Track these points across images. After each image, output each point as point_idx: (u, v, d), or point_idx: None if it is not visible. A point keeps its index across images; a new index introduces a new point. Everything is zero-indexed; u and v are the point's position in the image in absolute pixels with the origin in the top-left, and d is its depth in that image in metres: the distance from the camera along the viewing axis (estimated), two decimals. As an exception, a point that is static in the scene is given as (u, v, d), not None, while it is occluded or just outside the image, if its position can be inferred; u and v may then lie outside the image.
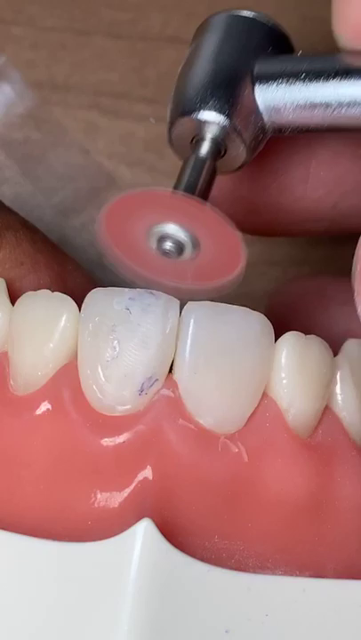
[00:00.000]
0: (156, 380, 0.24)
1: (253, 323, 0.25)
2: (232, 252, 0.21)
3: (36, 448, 0.24)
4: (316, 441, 0.25)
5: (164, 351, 0.24)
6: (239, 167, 0.24)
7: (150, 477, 0.24)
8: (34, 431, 0.24)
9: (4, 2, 0.43)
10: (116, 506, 0.24)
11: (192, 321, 0.24)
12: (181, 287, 0.23)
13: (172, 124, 0.24)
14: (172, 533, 0.23)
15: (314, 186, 0.28)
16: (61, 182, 0.41)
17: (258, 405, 0.25)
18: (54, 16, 0.43)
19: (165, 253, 0.21)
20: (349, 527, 0.25)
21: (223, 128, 0.23)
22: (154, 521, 0.23)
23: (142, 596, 0.22)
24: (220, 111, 0.23)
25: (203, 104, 0.23)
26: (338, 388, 0.25)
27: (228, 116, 0.23)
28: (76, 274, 0.28)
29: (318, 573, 0.24)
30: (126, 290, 0.24)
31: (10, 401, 0.25)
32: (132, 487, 0.24)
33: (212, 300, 0.25)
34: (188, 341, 0.24)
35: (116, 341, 0.24)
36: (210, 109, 0.23)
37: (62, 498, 0.24)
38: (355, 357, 0.26)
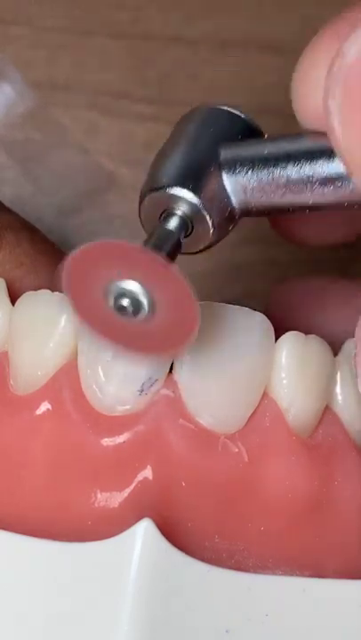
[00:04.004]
0: (157, 379, 0.24)
1: (254, 323, 0.25)
2: (186, 320, 0.22)
3: (36, 448, 0.24)
4: (316, 441, 0.25)
5: (165, 351, 0.24)
6: (203, 248, 0.25)
7: (150, 477, 0.24)
8: (34, 431, 0.24)
9: (4, 2, 0.43)
10: (116, 506, 0.24)
11: (192, 321, 0.24)
12: (127, 351, 0.23)
13: (143, 197, 0.25)
14: (172, 533, 0.23)
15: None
16: (61, 182, 0.41)
17: (258, 405, 0.25)
18: (54, 16, 0.43)
19: (120, 310, 0.22)
20: (349, 527, 0.25)
21: (193, 205, 0.24)
22: (154, 521, 0.23)
23: (142, 596, 0.22)
24: (191, 190, 0.24)
25: (175, 182, 0.24)
26: (338, 388, 0.25)
27: (198, 195, 0.24)
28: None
29: (318, 573, 0.24)
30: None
31: (10, 401, 0.25)
32: (132, 487, 0.24)
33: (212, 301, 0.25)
34: (188, 341, 0.24)
35: (116, 341, 0.24)
36: (181, 187, 0.24)
37: (62, 498, 0.24)
38: (355, 357, 0.26)
